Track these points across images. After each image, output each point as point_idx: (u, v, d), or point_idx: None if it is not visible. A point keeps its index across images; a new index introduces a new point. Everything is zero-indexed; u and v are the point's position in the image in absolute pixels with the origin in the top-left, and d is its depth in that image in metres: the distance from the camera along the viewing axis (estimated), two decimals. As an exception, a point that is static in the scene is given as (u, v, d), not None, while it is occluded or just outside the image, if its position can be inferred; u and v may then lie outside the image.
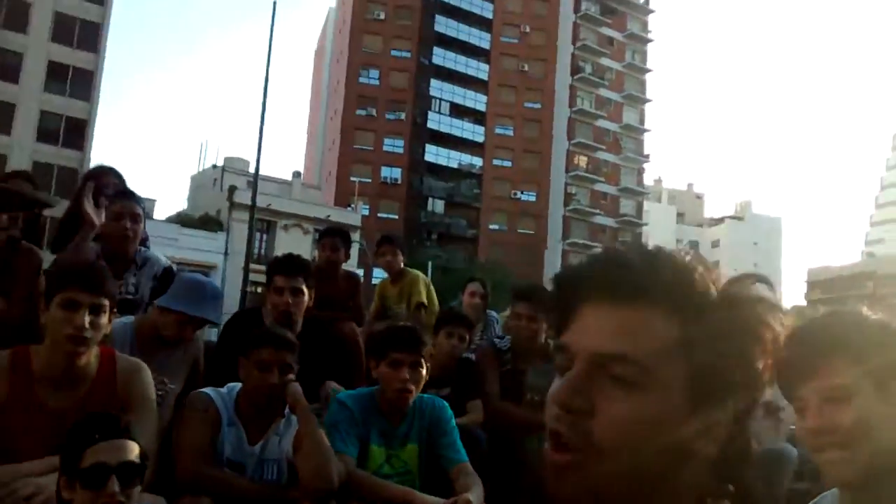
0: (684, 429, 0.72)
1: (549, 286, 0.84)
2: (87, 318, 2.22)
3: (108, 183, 4.32)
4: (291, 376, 2.67)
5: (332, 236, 5.37)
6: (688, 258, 0.76)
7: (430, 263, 32.23)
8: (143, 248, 3.84)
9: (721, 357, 0.72)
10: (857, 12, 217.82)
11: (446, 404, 3.10)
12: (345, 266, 5.58)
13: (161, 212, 44.67)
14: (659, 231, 63.18)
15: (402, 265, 5.61)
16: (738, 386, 0.74)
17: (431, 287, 5.73)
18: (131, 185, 4.15)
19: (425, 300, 5.46)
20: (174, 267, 4.03)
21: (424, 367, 2.92)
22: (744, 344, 0.73)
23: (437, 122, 54.04)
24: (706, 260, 0.77)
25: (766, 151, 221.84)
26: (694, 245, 70.16)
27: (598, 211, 56.90)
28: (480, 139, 55.17)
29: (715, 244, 71.25)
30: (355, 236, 32.39)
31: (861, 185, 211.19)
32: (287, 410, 2.74)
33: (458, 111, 54.81)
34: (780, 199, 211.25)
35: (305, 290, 3.42)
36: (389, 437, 2.93)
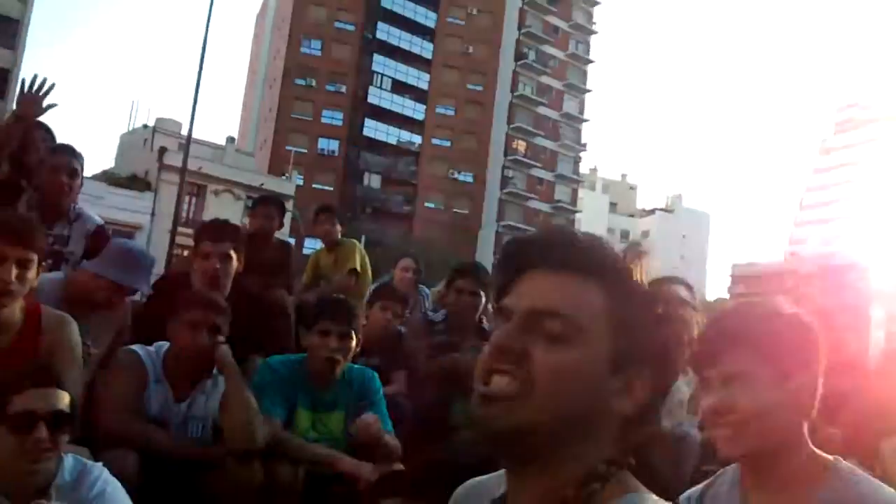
0: (605, 384, 0.82)
1: (486, 265, 1.00)
2: (13, 272, 2.20)
3: (35, 137, 4.22)
4: (221, 338, 2.69)
5: (267, 205, 5.35)
6: (624, 253, 0.91)
7: (363, 238, 32.10)
8: (74, 204, 3.78)
9: (641, 334, 0.83)
10: (791, 13, 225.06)
11: (375, 375, 3.16)
12: (277, 235, 5.57)
13: (88, 169, 43.08)
14: (592, 218, 64.21)
15: (339, 235, 5.64)
16: (655, 361, 0.84)
17: (366, 257, 5.78)
18: (59, 139, 4.07)
19: (358, 267, 5.52)
20: (105, 226, 3.98)
21: (354, 339, 2.97)
22: (662, 332, 0.85)
23: (378, 97, 53.57)
24: (642, 255, 0.92)
25: (699, 148, 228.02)
26: (625, 234, 71.79)
27: (533, 195, 57.52)
28: (421, 117, 54.99)
29: (645, 234, 72.74)
30: (289, 205, 31.89)
31: (786, 186, 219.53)
32: (215, 371, 2.76)
33: (399, 88, 54.43)
34: (709, 195, 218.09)
35: (234, 255, 3.40)
36: (316, 402, 2.97)
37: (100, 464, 2.04)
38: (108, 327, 3.12)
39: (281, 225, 5.33)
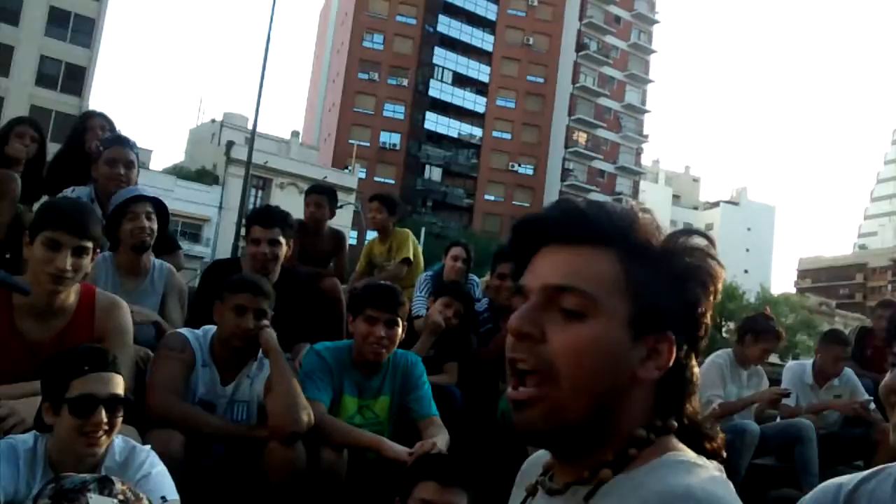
0: (629, 355, 0.81)
1: None
2: (69, 260, 2.27)
3: (94, 125, 4.37)
4: (266, 322, 2.72)
5: (317, 193, 5.41)
6: (633, 210, 0.87)
7: (423, 230, 32.29)
8: None
9: (659, 296, 0.82)
10: (864, 7, 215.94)
11: (419, 359, 3.17)
12: (335, 225, 5.64)
13: (158, 163, 44.49)
14: (654, 211, 63.02)
15: (391, 224, 5.67)
16: (679, 322, 0.83)
17: (419, 247, 5.81)
18: (130, 134, 4.20)
19: (411, 256, 5.54)
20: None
21: (400, 326, 2.98)
22: (680, 285, 0.83)
23: (439, 90, 53.66)
24: (652, 215, 0.87)
25: (765, 140, 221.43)
26: (688, 227, 70.11)
27: (594, 188, 56.77)
28: (481, 110, 54.85)
29: (709, 227, 71.08)
30: (351, 198, 32.36)
31: (856, 178, 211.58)
32: (260, 354, 2.80)
33: (460, 81, 54.39)
34: (775, 188, 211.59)
35: (283, 240, 3.49)
36: (362, 388, 3.00)
37: (147, 447, 2.10)
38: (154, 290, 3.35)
39: (332, 213, 5.37)
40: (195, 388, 2.71)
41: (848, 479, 1.26)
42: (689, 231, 0.87)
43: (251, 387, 2.81)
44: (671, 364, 0.83)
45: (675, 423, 0.85)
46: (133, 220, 3.22)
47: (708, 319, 0.85)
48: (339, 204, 5.88)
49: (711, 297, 0.84)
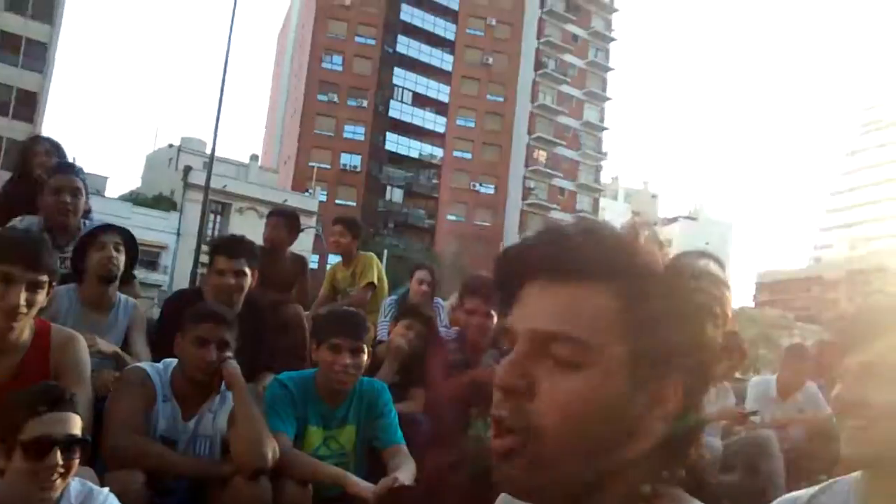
0: (629, 407, 0.70)
1: None
2: (22, 295, 2.19)
3: (39, 151, 4.27)
4: (229, 353, 2.66)
5: (275, 215, 5.32)
6: (631, 232, 0.75)
7: (385, 252, 32.17)
8: (87, 221, 3.79)
9: (666, 332, 0.71)
10: (817, 26, 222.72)
11: (385, 386, 3.13)
12: (297, 250, 5.56)
13: (114, 190, 43.77)
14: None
15: (354, 246, 5.59)
16: (687, 362, 0.72)
17: (383, 270, 5.74)
18: (84, 161, 4.10)
19: (375, 280, 5.48)
20: None
21: (366, 353, 2.93)
22: (690, 319, 0.72)
23: (399, 110, 53.82)
24: (653, 232, 0.76)
25: (721, 156, 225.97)
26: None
27: (555, 206, 57.23)
28: (442, 129, 55.11)
29: (668, 243, 71.25)
30: (311, 222, 32.16)
31: (811, 192, 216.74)
32: (223, 388, 2.73)
33: (420, 101, 54.63)
34: (731, 203, 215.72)
35: (248, 271, 3.43)
36: (327, 418, 2.94)
37: (106, 489, 2.02)
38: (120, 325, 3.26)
39: (293, 237, 5.28)
40: (155, 423, 2.63)
41: (803, 494, 1.33)
42: (696, 253, 0.77)
43: (214, 421, 2.73)
44: (679, 407, 0.72)
45: (683, 473, 0.76)
46: (100, 249, 3.14)
47: (718, 353, 0.74)
48: (300, 228, 5.81)
49: (721, 328, 0.74)
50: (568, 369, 0.70)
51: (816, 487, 1.35)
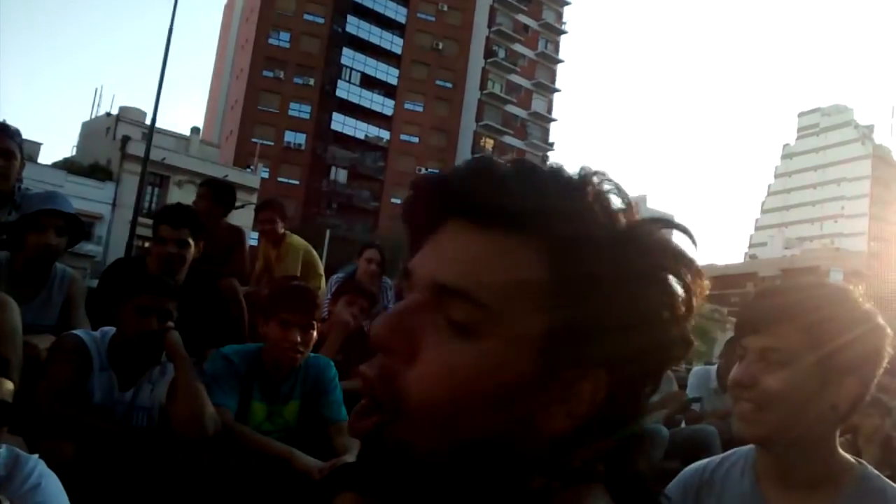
0: (531, 395, 0.56)
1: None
2: None
3: None
4: (171, 324, 2.59)
5: (204, 186, 5.17)
6: (580, 183, 0.59)
7: (328, 233, 31.90)
8: (20, 186, 3.60)
9: (597, 311, 0.55)
10: (758, 25, 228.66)
11: (331, 363, 3.08)
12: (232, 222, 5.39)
13: (47, 156, 42.29)
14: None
15: (282, 231, 5.43)
16: (619, 351, 0.56)
17: (314, 254, 5.62)
18: (17, 124, 3.85)
19: (298, 272, 5.31)
20: None
21: (315, 329, 2.89)
22: (634, 299, 0.56)
23: (347, 91, 53.25)
24: (614, 187, 0.60)
25: (664, 149, 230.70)
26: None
27: (500, 194, 57.55)
28: (389, 112, 54.80)
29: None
30: (253, 198, 31.64)
31: (748, 189, 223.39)
32: (163, 359, 2.66)
33: (368, 82, 54.15)
34: (673, 196, 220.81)
35: (192, 242, 3.35)
36: (272, 394, 2.89)
37: (35, 456, 1.92)
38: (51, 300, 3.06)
39: (221, 209, 5.10)
40: (91, 393, 2.53)
41: (707, 463, 1.43)
42: (660, 220, 0.61)
43: (153, 392, 2.65)
44: (594, 414, 0.57)
45: (602, 468, 0.59)
46: (40, 232, 2.96)
47: (668, 349, 0.59)
48: (239, 203, 5.65)
49: (683, 314, 0.58)
50: (461, 336, 0.55)
51: (720, 457, 1.43)
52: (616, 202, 0.60)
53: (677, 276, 0.58)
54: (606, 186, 0.60)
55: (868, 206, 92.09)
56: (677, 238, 0.59)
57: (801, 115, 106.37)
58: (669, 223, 0.62)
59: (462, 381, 0.54)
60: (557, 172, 0.60)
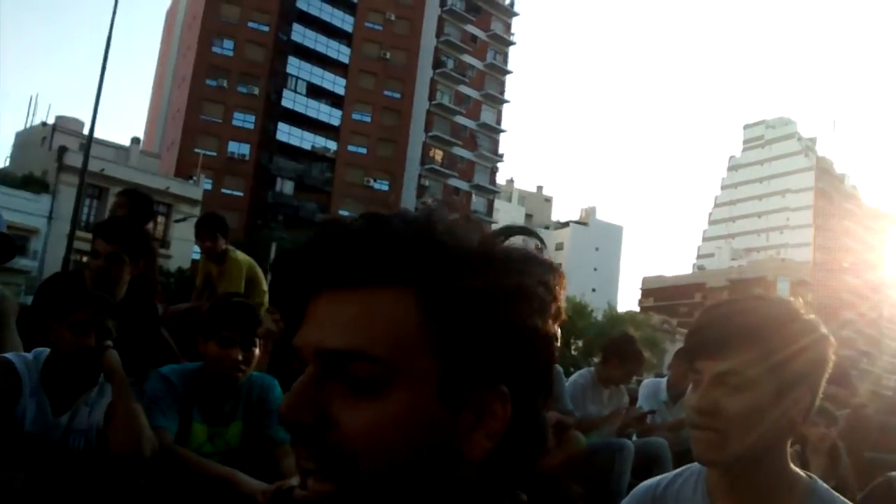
0: (447, 427, 0.59)
1: None
2: None
3: None
4: (109, 342, 2.48)
5: (122, 195, 5.04)
6: (426, 219, 0.62)
7: (273, 245, 31.42)
8: None
9: (478, 335, 0.59)
10: (701, 33, 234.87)
11: (275, 382, 3.01)
12: (180, 239, 5.20)
13: (-23, 167, 40.82)
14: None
15: (223, 247, 5.26)
16: (510, 362, 0.61)
17: (258, 270, 5.47)
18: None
19: (241, 289, 5.13)
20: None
21: (258, 346, 2.81)
22: (508, 313, 0.60)
23: (293, 100, 52.67)
24: (461, 210, 0.61)
25: (613, 161, 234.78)
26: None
27: (448, 205, 57.78)
28: (336, 123, 54.42)
29: (559, 247, 74.59)
30: (195, 210, 31.04)
31: (696, 201, 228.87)
32: (101, 380, 2.55)
33: (315, 92, 53.71)
34: (622, 208, 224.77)
35: (126, 258, 3.21)
36: (213, 414, 2.80)
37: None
38: None
39: (142, 217, 4.94)
40: (21, 419, 2.41)
41: (660, 480, 1.43)
42: (508, 230, 0.66)
43: (90, 415, 2.54)
44: (507, 427, 0.61)
45: (524, 497, 0.65)
46: None
47: (553, 346, 0.64)
48: (181, 216, 5.47)
49: (553, 317, 0.63)
50: (368, 393, 0.58)
51: (672, 473, 1.44)
52: (467, 225, 0.63)
53: (540, 280, 0.62)
54: (452, 214, 0.63)
55: (812, 217, 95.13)
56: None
57: (746, 127, 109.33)
58: (516, 230, 0.66)
59: (382, 435, 0.57)
60: (404, 216, 0.62)
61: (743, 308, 1.27)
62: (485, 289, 0.59)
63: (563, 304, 0.64)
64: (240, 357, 2.70)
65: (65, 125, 39.69)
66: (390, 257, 0.59)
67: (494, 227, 0.61)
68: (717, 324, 1.25)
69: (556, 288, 0.63)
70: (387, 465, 0.58)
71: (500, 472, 0.63)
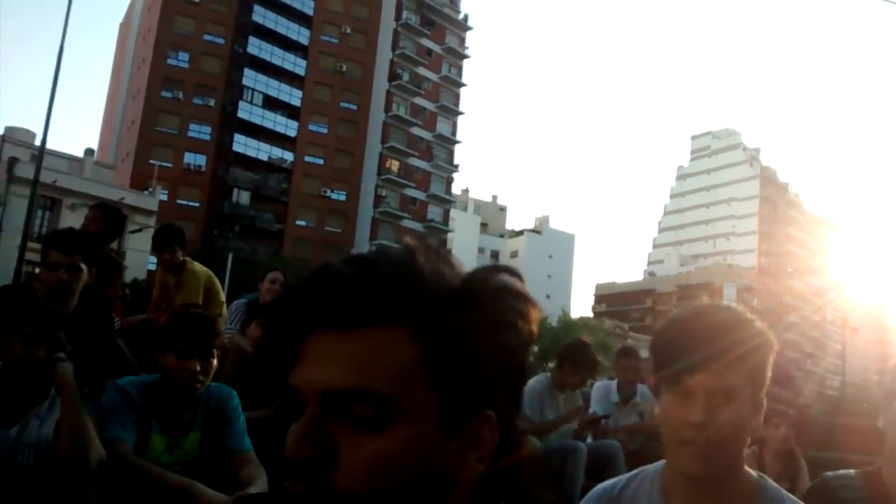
0: (445, 457, 0.63)
1: None
2: None
3: None
4: (61, 354, 2.46)
5: (97, 209, 4.95)
6: (410, 257, 0.65)
7: (230, 255, 31.12)
8: None
9: (470, 364, 0.63)
10: (648, 45, 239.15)
11: (234, 392, 3.00)
12: (137, 250, 5.20)
13: (-79, 179, 39.57)
14: (463, 238, 65.61)
15: (181, 259, 5.21)
16: (496, 388, 0.65)
17: (216, 281, 5.45)
18: None
19: (200, 300, 5.11)
20: None
21: (216, 357, 2.82)
22: (493, 343, 0.65)
23: (249, 112, 52.33)
24: (438, 247, 0.68)
25: (565, 171, 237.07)
26: (495, 254, 73.74)
27: (406, 215, 57.80)
28: (293, 134, 54.20)
29: (514, 255, 75.20)
30: (151, 221, 30.60)
31: (646, 209, 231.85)
32: (52, 393, 2.53)
33: (271, 103, 53.43)
34: (574, 217, 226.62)
35: (84, 267, 3.22)
36: (171, 425, 2.78)
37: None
38: None
39: (111, 235, 4.91)
40: None
41: (615, 482, 1.43)
42: (492, 268, 0.70)
43: (40, 428, 2.51)
44: (495, 451, 0.65)
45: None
46: None
47: (525, 374, 0.70)
48: (137, 227, 5.46)
49: (528, 342, 0.68)
50: (371, 430, 0.61)
51: (627, 475, 1.44)
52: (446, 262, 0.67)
53: (517, 311, 0.67)
54: (434, 252, 0.67)
55: (757, 224, 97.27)
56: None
57: (693, 137, 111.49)
58: (495, 268, 0.70)
59: (386, 468, 0.60)
60: (389, 258, 0.66)
61: (719, 320, 1.28)
62: (473, 322, 0.63)
63: (535, 329, 0.68)
64: (198, 368, 2.70)
65: (15, 136, 38.80)
66: (386, 299, 0.62)
67: (451, 236, 0.62)
68: (706, 339, 1.25)
69: (530, 316, 0.68)
70: (386, 497, 0.60)
71: (486, 489, 0.67)
